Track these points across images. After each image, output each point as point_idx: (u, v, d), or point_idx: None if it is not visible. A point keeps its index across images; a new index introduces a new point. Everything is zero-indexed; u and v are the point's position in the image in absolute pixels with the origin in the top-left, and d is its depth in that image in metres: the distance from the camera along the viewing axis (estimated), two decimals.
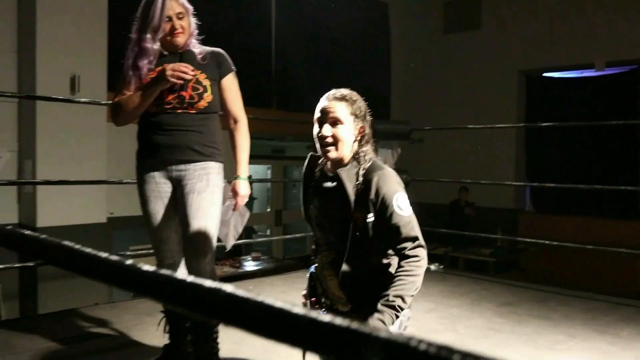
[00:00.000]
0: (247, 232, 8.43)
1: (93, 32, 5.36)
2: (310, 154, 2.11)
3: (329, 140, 1.90)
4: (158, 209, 2.30)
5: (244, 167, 2.37)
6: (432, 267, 4.68)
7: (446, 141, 9.07)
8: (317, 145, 1.95)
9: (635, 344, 2.97)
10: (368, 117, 1.97)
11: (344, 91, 1.95)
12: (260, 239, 7.78)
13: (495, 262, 7.42)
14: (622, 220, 7.74)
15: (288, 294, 3.86)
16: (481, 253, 7.48)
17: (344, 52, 8.62)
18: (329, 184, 1.98)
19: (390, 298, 1.78)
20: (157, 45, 2.24)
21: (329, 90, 1.97)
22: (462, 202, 8.55)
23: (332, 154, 1.91)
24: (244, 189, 2.37)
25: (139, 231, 5.90)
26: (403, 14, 9.76)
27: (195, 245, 2.23)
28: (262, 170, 9.01)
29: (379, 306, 1.79)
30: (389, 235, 1.86)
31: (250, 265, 6.63)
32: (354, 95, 1.95)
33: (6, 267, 3.47)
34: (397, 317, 1.78)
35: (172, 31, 2.23)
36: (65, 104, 4.89)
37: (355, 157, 1.93)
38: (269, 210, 8.90)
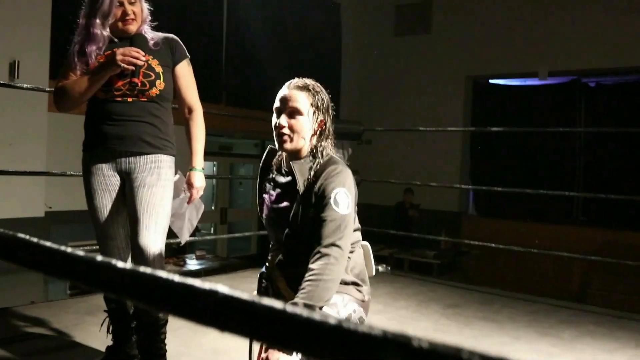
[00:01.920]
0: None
1: (35, 16, 5.11)
2: (269, 146, 2.00)
3: (285, 130, 1.79)
4: (105, 203, 2.17)
5: (199, 158, 2.27)
6: (380, 268, 4.70)
7: (393, 143, 9.18)
8: (274, 135, 1.85)
9: (576, 346, 3.06)
10: (330, 112, 1.87)
11: (307, 81, 1.85)
12: (205, 237, 7.62)
13: (439, 264, 7.54)
14: (560, 225, 8.03)
15: None
16: (425, 255, 7.59)
17: (295, 50, 8.58)
18: (282, 179, 1.88)
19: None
20: (106, 32, 2.11)
21: (278, 88, 1.87)
22: (407, 204, 8.65)
23: (287, 145, 1.80)
24: (199, 180, 2.27)
25: (80, 226, 5.71)
26: (355, 15, 9.81)
27: (144, 242, 2.12)
28: (208, 167, 8.85)
29: None
30: (314, 230, 1.71)
31: (194, 264, 6.50)
32: (317, 86, 1.85)
33: None
34: None
35: (124, 17, 2.11)
36: (3, 91, 4.64)
37: (312, 152, 1.82)
38: (213, 208, 8.76)
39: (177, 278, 0.51)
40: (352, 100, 9.52)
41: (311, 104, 1.81)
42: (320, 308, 1.64)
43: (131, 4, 2.12)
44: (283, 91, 1.84)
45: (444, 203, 8.84)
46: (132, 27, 2.14)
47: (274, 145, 1.92)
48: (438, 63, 9.10)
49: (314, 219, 1.73)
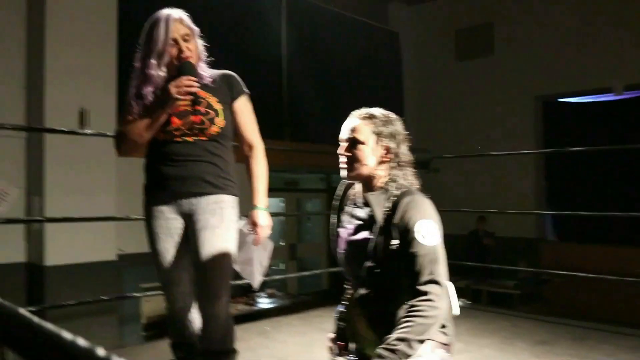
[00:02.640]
0: None
1: (102, 66, 5.27)
2: (342, 180, 1.98)
3: (343, 159, 1.83)
4: (168, 247, 2.09)
5: (262, 196, 2.15)
6: (460, 302, 4.43)
7: (462, 170, 8.88)
8: None
9: None
10: (400, 140, 1.81)
11: (373, 110, 1.84)
12: (276, 277, 7.51)
13: (519, 294, 7.13)
14: None
15: (307, 335, 3.63)
16: (505, 285, 7.21)
17: (356, 82, 8.51)
18: (359, 211, 1.84)
19: (392, 341, 1.53)
20: (162, 72, 2.04)
21: (342, 120, 1.88)
22: (481, 233, 8.30)
23: (346, 173, 1.82)
24: (263, 219, 2.13)
25: (150, 268, 5.74)
26: (414, 43, 9.69)
27: (209, 287, 2.02)
28: (275, 203, 8.82)
29: (378, 350, 1.54)
30: (406, 266, 1.64)
31: (264, 303, 6.40)
32: (385, 115, 1.82)
33: None
34: None
35: (180, 55, 2.04)
36: (74, 139, 4.78)
37: (386, 181, 1.78)
38: (282, 244, 8.70)
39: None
40: (416, 128, 9.32)
41: (372, 132, 1.79)
42: (418, 343, 1.54)
43: (185, 41, 2.05)
44: (347, 121, 1.86)
45: (520, 229, 8.41)
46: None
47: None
48: (504, 85, 8.79)
49: (400, 254, 1.66)
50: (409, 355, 1.52)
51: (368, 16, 9.13)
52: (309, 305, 5.41)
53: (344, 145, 1.83)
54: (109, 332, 5.20)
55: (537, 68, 8.47)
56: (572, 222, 8.40)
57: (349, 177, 1.84)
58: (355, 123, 1.83)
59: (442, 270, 1.63)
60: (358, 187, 1.89)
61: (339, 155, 1.84)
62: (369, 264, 1.73)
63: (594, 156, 8.05)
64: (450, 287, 1.79)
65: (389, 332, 1.62)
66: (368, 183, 1.81)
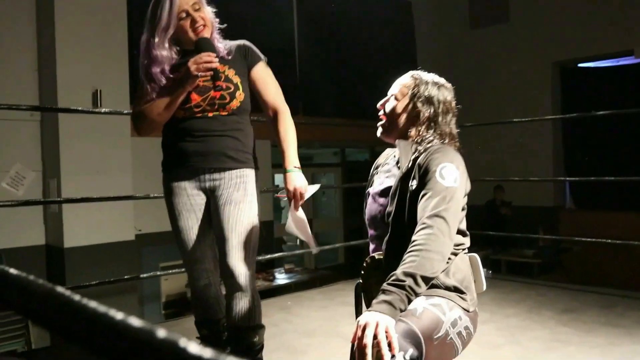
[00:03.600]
0: (278, 242, 8.21)
1: (114, 45, 5.21)
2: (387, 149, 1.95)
3: (380, 112, 1.80)
4: (191, 224, 2.05)
5: (293, 158, 2.01)
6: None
7: (477, 139, 8.76)
8: None
9: None
10: (441, 108, 1.73)
11: (423, 73, 1.80)
12: (295, 252, 7.49)
13: (539, 263, 7.07)
14: None
15: (329, 309, 3.61)
16: (524, 255, 7.14)
17: (369, 54, 8.37)
18: (386, 167, 1.83)
19: (400, 277, 1.40)
20: (166, 51, 1.97)
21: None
22: (498, 202, 8.21)
23: (379, 130, 1.81)
24: (299, 180, 1.99)
25: (168, 247, 5.76)
26: (427, 12, 9.49)
27: (234, 262, 1.98)
28: None
29: (384, 286, 1.41)
30: (419, 204, 1.54)
31: (283, 278, 6.40)
32: (432, 80, 1.77)
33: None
34: (410, 301, 1.40)
35: (194, 25, 1.96)
36: (88, 120, 4.75)
37: (416, 140, 1.71)
38: None
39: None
40: None
41: (411, 92, 1.74)
42: (426, 281, 1.42)
43: (196, 10, 1.96)
44: None
45: (538, 198, 8.30)
46: (206, 34, 2.00)
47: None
48: (520, 52, 8.60)
49: (417, 195, 1.57)
50: (417, 293, 1.41)
51: None
52: (328, 280, 5.41)
53: (384, 100, 1.81)
54: (130, 312, 5.22)
55: (554, 33, 8.26)
56: (590, 189, 8.28)
57: (380, 134, 1.81)
58: (400, 80, 1.80)
59: (452, 209, 1.52)
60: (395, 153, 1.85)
61: (378, 109, 1.82)
62: (389, 208, 1.67)
63: (613, 121, 7.89)
64: (477, 259, 1.71)
65: None
66: (392, 138, 1.79)
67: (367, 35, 8.46)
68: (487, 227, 7.21)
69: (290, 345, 2.92)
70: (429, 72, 1.84)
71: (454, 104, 1.79)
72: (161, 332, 0.31)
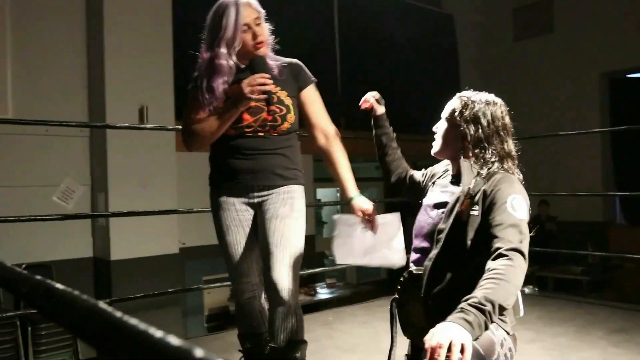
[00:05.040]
0: (319, 257, 8.20)
1: (159, 63, 5.35)
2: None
3: (435, 136, 1.86)
4: (239, 239, 2.07)
5: (353, 185, 2.10)
6: (527, 289, 4.29)
7: (522, 153, 8.58)
8: None
9: None
10: (491, 127, 1.72)
11: (472, 93, 1.82)
12: (337, 266, 7.45)
13: (588, 280, 6.83)
14: None
15: (371, 325, 3.57)
16: (572, 272, 6.91)
17: (411, 67, 8.33)
18: (445, 181, 1.85)
19: (482, 300, 1.35)
20: (232, 61, 1.96)
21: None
22: (543, 217, 8.00)
23: (433, 148, 1.86)
24: (367, 204, 2.06)
25: (211, 260, 5.83)
26: (470, 24, 9.40)
27: (278, 277, 1.99)
28: (332, 194, 8.78)
29: (465, 305, 1.36)
30: (490, 234, 1.53)
31: (325, 293, 6.39)
32: (478, 99, 1.77)
33: None
34: (487, 327, 1.36)
35: (256, 40, 1.96)
36: (135, 136, 4.88)
37: (475, 162, 1.71)
38: None
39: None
40: None
41: (455, 112, 1.77)
42: (500, 310, 1.39)
43: (257, 25, 1.97)
44: None
45: (586, 213, 8.06)
46: (264, 51, 2.00)
47: None
48: (566, 63, 8.40)
49: (479, 223, 1.58)
50: (492, 321, 1.38)
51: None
52: (370, 295, 5.37)
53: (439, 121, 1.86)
54: (174, 324, 5.30)
55: (601, 43, 8.05)
56: None
57: (433, 152, 1.87)
58: (450, 102, 1.84)
59: (526, 244, 1.52)
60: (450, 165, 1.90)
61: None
62: (442, 225, 1.67)
63: None
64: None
65: (446, 313, 1.42)
66: (452, 162, 1.83)
67: (409, 48, 8.43)
68: (533, 242, 7.04)
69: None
70: (471, 85, 1.84)
71: (507, 120, 1.77)
72: (199, 352, 0.32)
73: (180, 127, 2.13)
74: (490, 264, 1.47)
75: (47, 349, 4.40)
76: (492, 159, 1.69)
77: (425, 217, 1.79)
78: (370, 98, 2.18)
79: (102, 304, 0.39)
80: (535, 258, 7.07)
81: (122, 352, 0.35)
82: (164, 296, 4.46)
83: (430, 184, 1.91)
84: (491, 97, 1.80)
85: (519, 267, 1.46)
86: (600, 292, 6.73)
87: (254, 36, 1.96)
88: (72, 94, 5.23)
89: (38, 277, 0.46)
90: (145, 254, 5.12)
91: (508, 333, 1.61)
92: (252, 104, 1.95)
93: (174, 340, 0.34)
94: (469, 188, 1.65)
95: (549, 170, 8.32)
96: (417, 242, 1.80)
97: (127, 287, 4.69)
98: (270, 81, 1.92)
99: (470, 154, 1.73)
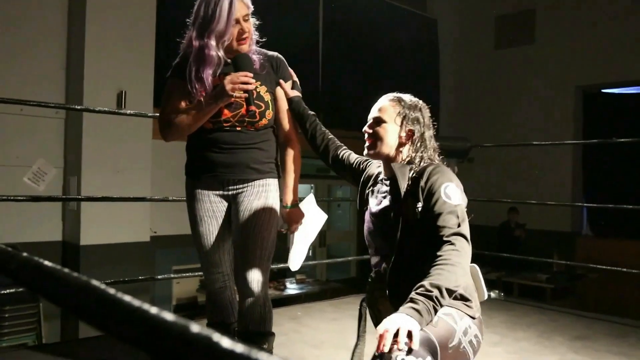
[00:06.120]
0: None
1: (140, 48, 5.29)
2: (368, 161, 2.04)
3: (367, 136, 1.86)
4: (212, 230, 2.08)
5: (293, 194, 2.13)
6: (492, 294, 4.36)
7: (495, 159, 8.72)
8: None
9: None
10: (426, 127, 1.83)
11: (403, 95, 1.86)
12: (308, 262, 7.50)
13: (552, 288, 6.98)
14: None
15: (339, 322, 3.60)
16: (537, 279, 7.05)
17: (393, 69, 8.40)
18: (382, 186, 1.87)
19: (427, 287, 1.47)
20: (221, 53, 1.95)
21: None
22: (512, 224, 8.14)
23: (369, 150, 1.86)
24: (300, 214, 2.15)
25: (182, 250, 5.81)
26: (452, 30, 9.50)
27: (249, 268, 2.01)
28: (306, 190, 8.81)
29: (413, 294, 1.47)
30: (432, 225, 1.63)
31: (294, 288, 6.41)
32: (413, 100, 1.85)
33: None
34: (436, 311, 1.48)
35: (240, 36, 1.95)
36: (111, 121, 4.82)
37: (409, 161, 1.79)
38: None
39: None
40: (452, 116, 9.17)
41: (398, 113, 1.81)
42: (449, 293, 1.50)
43: (246, 21, 1.97)
44: (377, 101, 1.91)
45: (554, 222, 8.22)
46: (246, 47, 2.00)
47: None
48: (544, 74, 8.55)
49: (424, 218, 1.66)
50: (441, 305, 1.48)
51: (406, 2, 8.98)
52: (339, 292, 5.41)
53: (369, 123, 1.87)
54: None
55: (579, 58, 8.22)
56: (608, 216, 8.18)
57: (369, 154, 1.88)
58: (382, 103, 1.86)
59: (466, 226, 1.63)
60: (382, 166, 1.92)
61: (364, 133, 1.88)
62: (391, 230, 1.74)
63: (634, 149, 7.81)
64: (477, 269, 1.81)
65: None
66: (389, 162, 1.84)
67: (392, 50, 8.50)
68: (500, 248, 7.16)
69: (299, 355, 2.92)
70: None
71: (431, 120, 1.88)
72: (195, 327, 0.33)
73: (159, 114, 2.12)
74: (437, 252, 1.57)
75: (10, 332, 4.33)
76: (425, 155, 1.79)
77: (376, 225, 1.85)
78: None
79: (94, 281, 0.40)
80: (502, 264, 7.20)
81: (118, 328, 0.37)
82: (133, 284, 4.42)
83: (368, 190, 1.94)
84: (416, 99, 1.89)
85: (462, 249, 1.57)
86: (564, 300, 6.87)
87: (241, 32, 1.96)
88: (49, 75, 5.15)
89: (25, 254, 0.47)
90: (115, 241, 5.07)
91: (473, 318, 1.68)
92: (233, 99, 1.96)
93: (169, 316, 0.35)
94: (407, 188, 1.73)
95: (520, 178, 8.47)
96: (373, 249, 1.89)
97: (96, 273, 4.64)
98: (253, 80, 1.93)
99: (405, 153, 1.81)
